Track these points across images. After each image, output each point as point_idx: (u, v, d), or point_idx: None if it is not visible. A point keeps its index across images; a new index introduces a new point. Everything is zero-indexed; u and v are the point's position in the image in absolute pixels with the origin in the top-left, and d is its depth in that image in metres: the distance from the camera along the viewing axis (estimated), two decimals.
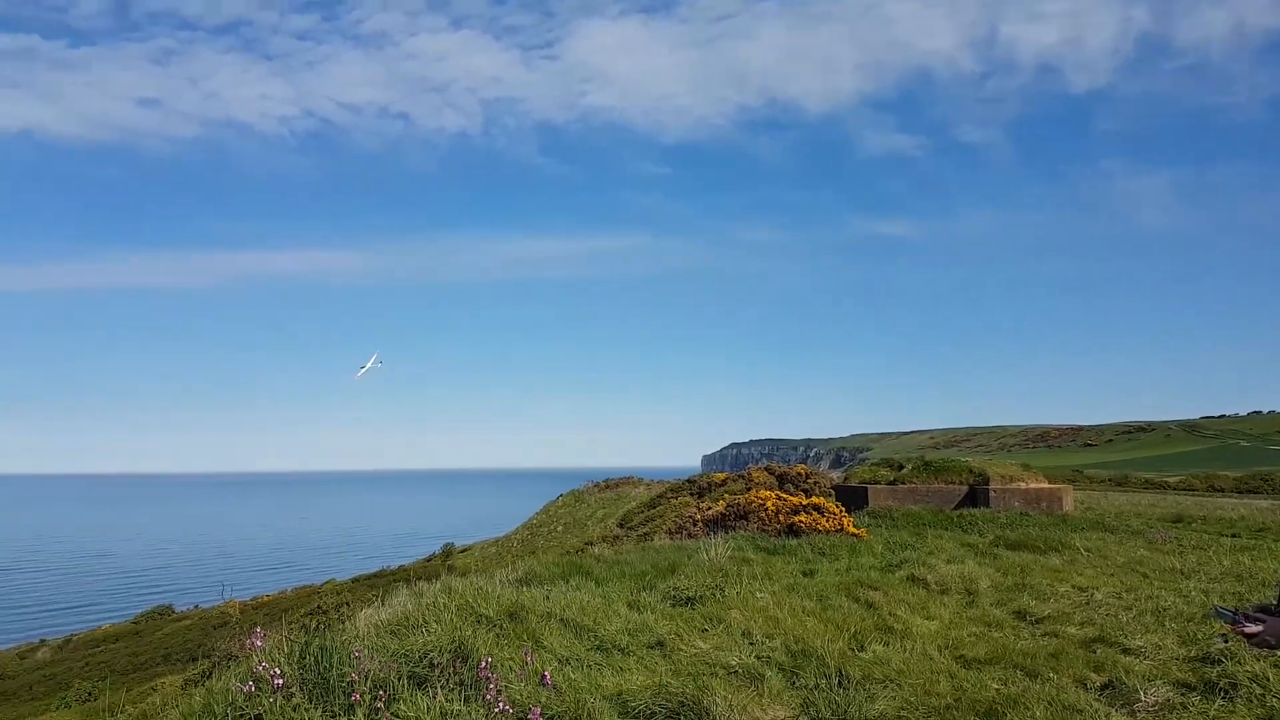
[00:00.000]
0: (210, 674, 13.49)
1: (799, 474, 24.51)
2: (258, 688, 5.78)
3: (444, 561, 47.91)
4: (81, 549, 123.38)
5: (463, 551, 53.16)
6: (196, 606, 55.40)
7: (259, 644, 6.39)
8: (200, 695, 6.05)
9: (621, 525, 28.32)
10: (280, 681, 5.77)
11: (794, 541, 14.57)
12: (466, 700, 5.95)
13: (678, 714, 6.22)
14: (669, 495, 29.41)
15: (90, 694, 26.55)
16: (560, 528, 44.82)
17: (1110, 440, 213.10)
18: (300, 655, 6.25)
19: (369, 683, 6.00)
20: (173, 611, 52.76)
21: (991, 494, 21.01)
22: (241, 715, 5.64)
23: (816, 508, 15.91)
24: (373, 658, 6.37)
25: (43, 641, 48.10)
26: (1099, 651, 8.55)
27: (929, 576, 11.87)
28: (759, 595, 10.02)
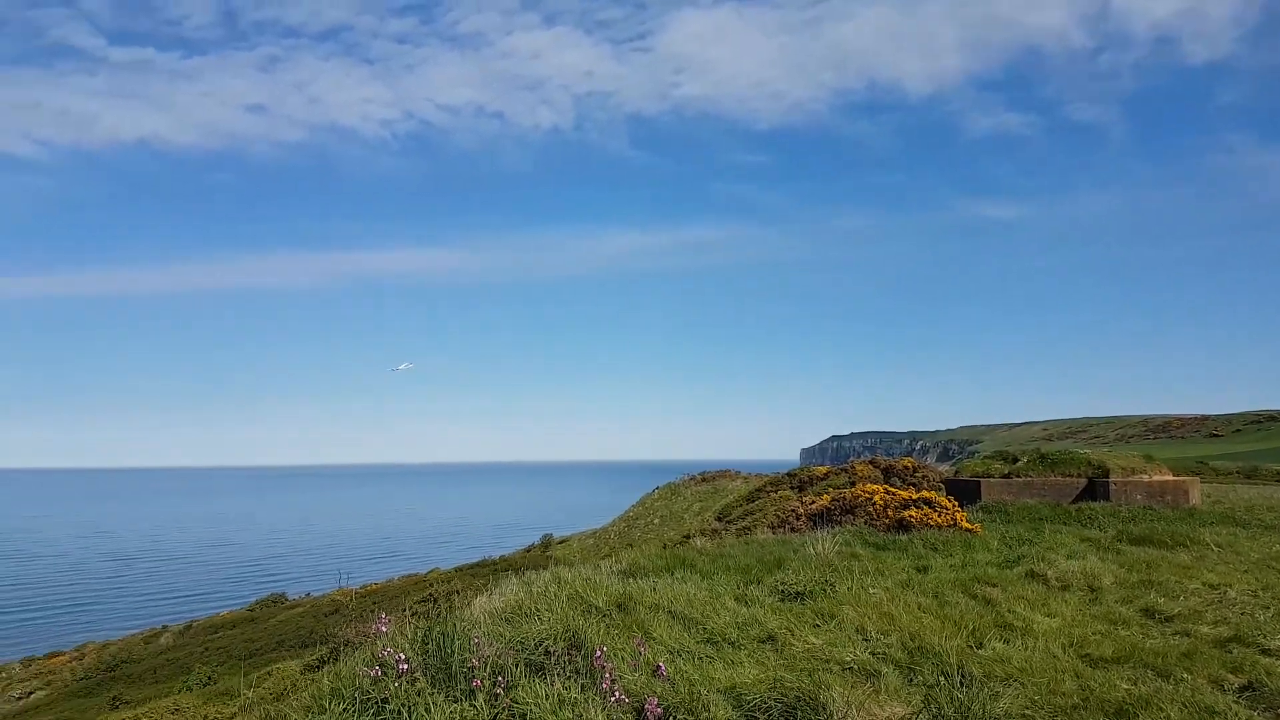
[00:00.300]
0: (329, 659, 14.00)
1: (906, 467, 23.87)
2: (383, 672, 5.97)
3: (543, 552, 48.66)
4: (199, 539, 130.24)
5: (560, 543, 53.88)
6: (308, 594, 57.79)
7: (384, 629, 6.59)
8: (328, 679, 6.26)
9: (720, 519, 28.18)
10: (405, 666, 5.93)
11: (904, 537, 14.21)
12: (583, 689, 6.02)
13: (794, 709, 6.14)
14: (768, 489, 29.09)
15: (210, 678, 27.80)
16: (656, 520, 44.96)
17: (1238, 430, 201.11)
18: (423, 641, 6.42)
19: (488, 669, 6.12)
20: (285, 599, 55.01)
21: (1112, 487, 20.11)
22: (368, 699, 5.83)
23: (928, 502, 15.47)
24: (491, 644, 6.50)
25: (165, 627, 50.65)
26: (1235, 652, 8.12)
27: (1049, 572, 11.44)
28: (872, 591, 9.83)
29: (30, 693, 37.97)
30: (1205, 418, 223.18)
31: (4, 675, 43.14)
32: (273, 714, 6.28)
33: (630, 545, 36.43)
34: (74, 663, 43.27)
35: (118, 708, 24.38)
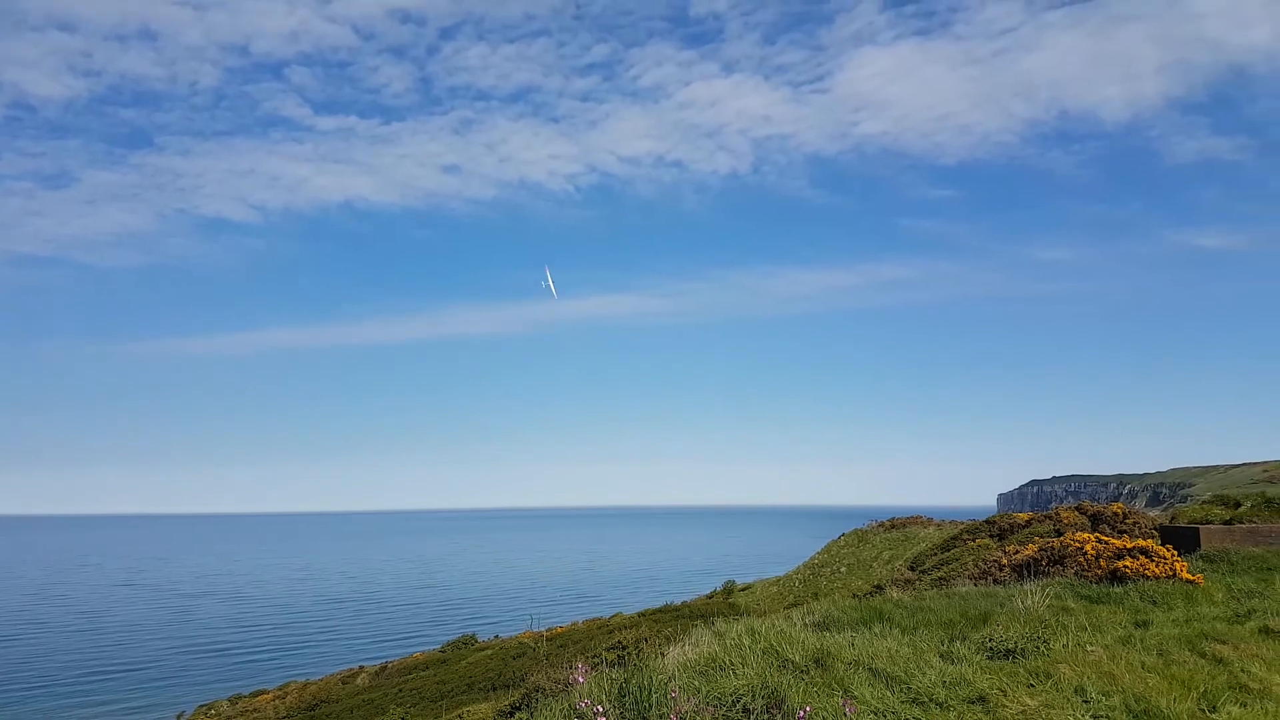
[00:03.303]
0: (522, 704, 14.35)
1: (1115, 514, 22.01)
2: None
3: (725, 599, 48.08)
4: (400, 581, 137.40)
5: (743, 589, 53.06)
6: (496, 636, 59.47)
7: (580, 680, 6.67)
8: None
9: (912, 568, 26.90)
10: None
11: (1119, 589, 13.07)
12: None
13: None
14: (964, 536, 27.51)
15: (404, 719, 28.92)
16: (844, 568, 43.55)
17: None
18: (619, 693, 6.45)
19: None
20: (475, 641, 56.60)
21: None
22: None
23: (1143, 551, 14.18)
24: (687, 699, 6.45)
25: (361, 668, 52.98)
26: None
27: None
28: (1089, 648, 9.09)
29: None
30: None
31: (214, 713, 46.36)
32: None
33: (816, 594, 35.47)
34: (277, 701, 45.94)
35: None
